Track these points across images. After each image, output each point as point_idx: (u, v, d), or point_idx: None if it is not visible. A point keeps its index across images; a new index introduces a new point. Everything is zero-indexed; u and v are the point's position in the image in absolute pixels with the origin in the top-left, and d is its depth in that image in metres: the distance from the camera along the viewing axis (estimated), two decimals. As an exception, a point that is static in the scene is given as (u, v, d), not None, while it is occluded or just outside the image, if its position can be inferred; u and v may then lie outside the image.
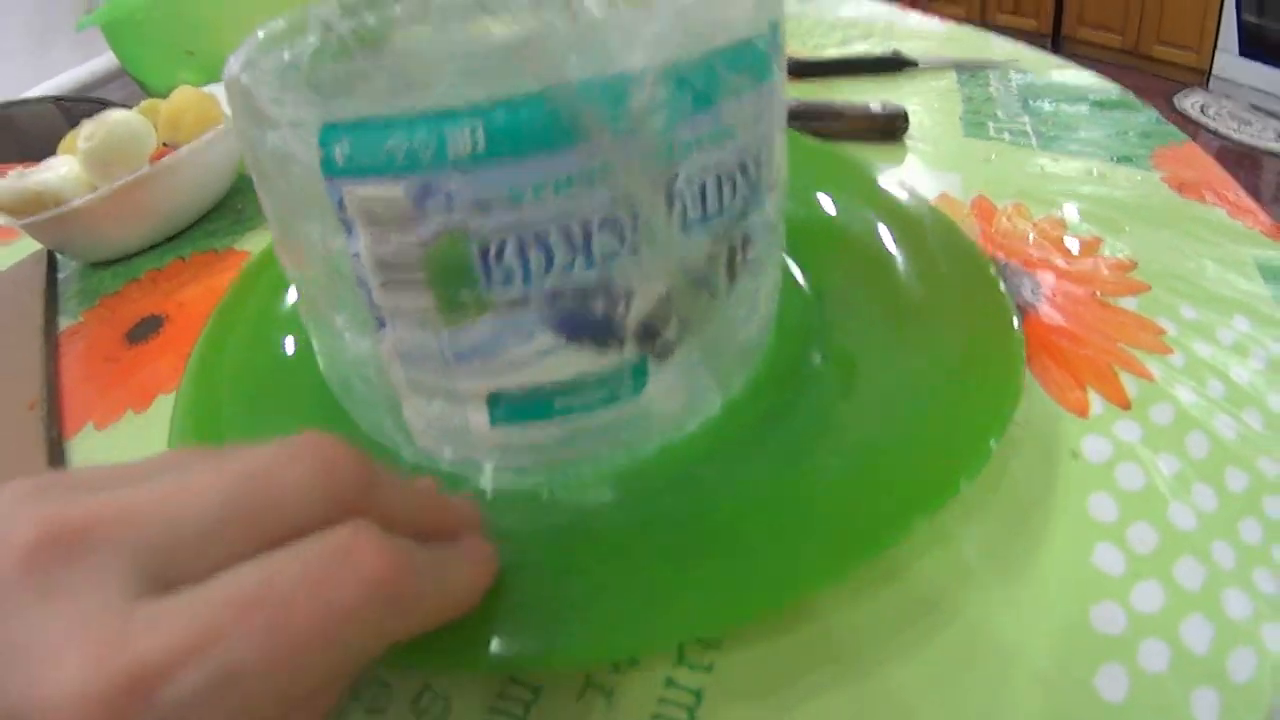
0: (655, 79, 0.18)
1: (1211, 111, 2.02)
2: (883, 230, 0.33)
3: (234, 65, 0.21)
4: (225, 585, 0.14)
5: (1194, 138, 0.54)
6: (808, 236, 0.33)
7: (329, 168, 0.19)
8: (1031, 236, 0.35)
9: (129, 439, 0.34)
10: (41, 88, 1.20)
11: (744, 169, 0.21)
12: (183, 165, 0.48)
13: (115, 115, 0.49)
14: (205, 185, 0.51)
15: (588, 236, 0.19)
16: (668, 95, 0.18)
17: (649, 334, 0.21)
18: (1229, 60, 2.04)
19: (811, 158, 0.39)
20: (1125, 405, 0.27)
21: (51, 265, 0.53)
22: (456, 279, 0.20)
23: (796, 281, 0.32)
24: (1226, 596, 0.21)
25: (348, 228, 0.20)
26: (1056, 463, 0.25)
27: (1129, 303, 0.31)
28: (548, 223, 0.19)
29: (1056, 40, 2.39)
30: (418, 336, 0.21)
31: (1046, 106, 0.46)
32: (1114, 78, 0.49)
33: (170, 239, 0.52)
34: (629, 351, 0.21)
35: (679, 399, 0.24)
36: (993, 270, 0.29)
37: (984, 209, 0.38)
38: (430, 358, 0.21)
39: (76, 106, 0.97)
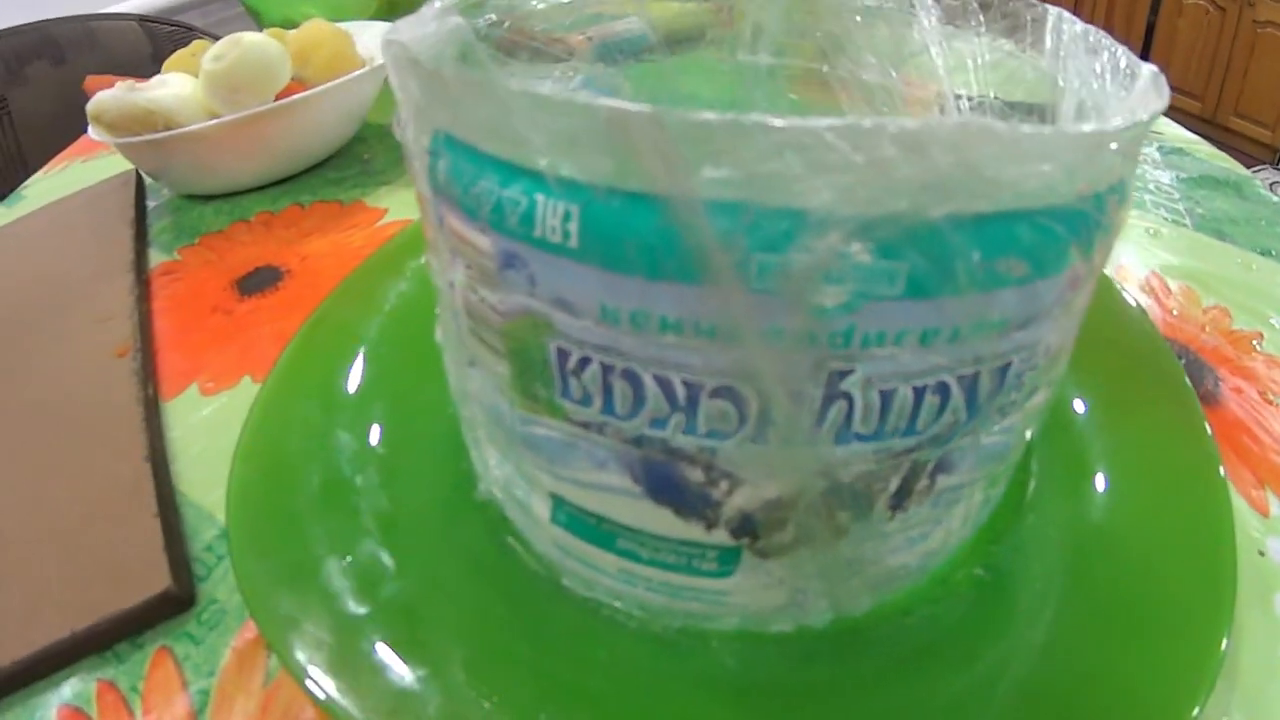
0: (844, 231, 0.12)
1: None
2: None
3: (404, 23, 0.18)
4: None
5: None
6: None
7: (433, 180, 0.16)
8: (1202, 323, 0.35)
9: (245, 412, 0.26)
10: (123, 6, 1.17)
11: (968, 384, 0.15)
12: (318, 104, 0.43)
13: (250, 38, 0.43)
14: (332, 128, 0.47)
15: (693, 401, 0.14)
16: (859, 260, 0.12)
17: (748, 530, 0.17)
18: (1303, 139, 2.03)
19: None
20: (1310, 513, 0.27)
21: (139, 191, 0.47)
22: (531, 370, 0.16)
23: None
24: None
25: (451, 251, 0.16)
26: (1246, 559, 0.25)
27: (1298, 406, 0.31)
28: (645, 363, 0.14)
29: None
30: (494, 399, 0.18)
31: (1199, 190, 0.46)
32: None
33: (282, 181, 0.47)
34: (718, 536, 0.17)
35: (771, 600, 0.19)
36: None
37: (1159, 289, 0.38)
38: (503, 425, 0.18)
39: (160, 29, 0.94)
